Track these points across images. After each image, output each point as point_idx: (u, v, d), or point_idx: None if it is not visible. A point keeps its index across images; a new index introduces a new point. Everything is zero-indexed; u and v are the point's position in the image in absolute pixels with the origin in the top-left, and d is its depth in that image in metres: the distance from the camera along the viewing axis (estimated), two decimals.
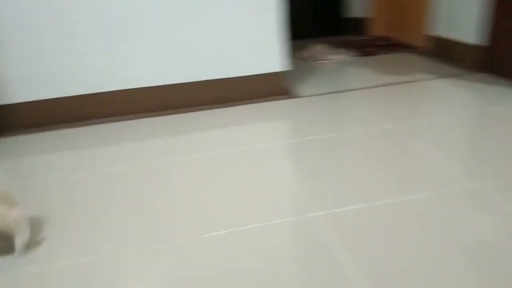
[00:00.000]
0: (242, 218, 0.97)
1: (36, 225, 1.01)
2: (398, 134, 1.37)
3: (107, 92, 1.69)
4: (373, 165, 1.17)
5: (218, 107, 1.79)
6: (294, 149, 1.33)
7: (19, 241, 0.92)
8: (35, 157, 1.41)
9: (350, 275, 0.75)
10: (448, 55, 2.20)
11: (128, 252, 0.88)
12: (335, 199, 1.02)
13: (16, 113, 1.63)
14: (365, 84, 1.98)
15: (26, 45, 1.56)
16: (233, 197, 1.07)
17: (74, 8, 1.54)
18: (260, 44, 1.76)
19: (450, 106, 1.59)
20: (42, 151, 1.45)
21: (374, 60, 2.45)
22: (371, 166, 1.17)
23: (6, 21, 1.51)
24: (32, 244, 0.94)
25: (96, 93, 1.68)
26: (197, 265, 0.82)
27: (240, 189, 1.10)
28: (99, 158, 1.36)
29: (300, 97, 1.86)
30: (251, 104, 1.80)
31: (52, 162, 1.36)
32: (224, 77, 1.78)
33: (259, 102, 1.82)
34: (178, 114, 1.74)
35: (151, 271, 0.82)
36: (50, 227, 1.00)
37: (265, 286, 0.75)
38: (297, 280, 0.75)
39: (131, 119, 1.72)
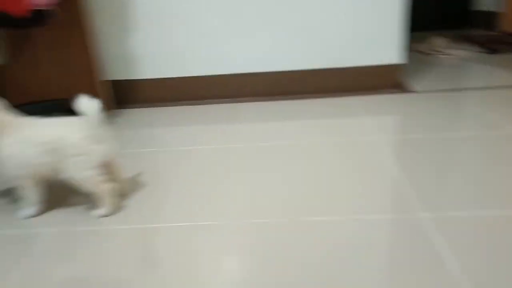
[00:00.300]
0: (342, 208, 0.96)
1: (137, 189, 1.13)
2: None
3: (224, 74, 1.79)
4: (498, 171, 1.07)
5: (327, 97, 1.78)
6: (403, 146, 1.27)
7: (102, 211, 1.00)
8: (153, 129, 1.57)
9: (458, 284, 0.71)
10: None
11: (224, 223, 0.94)
12: (448, 201, 0.95)
13: (142, 88, 1.83)
14: (488, 84, 1.79)
15: (157, 26, 1.72)
16: (334, 186, 1.07)
17: None
18: (377, 33, 1.70)
19: None
20: (159, 125, 1.61)
21: (501, 58, 2.20)
22: (493, 171, 1.07)
23: (139, 3, 1.68)
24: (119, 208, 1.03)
25: (215, 75, 1.79)
26: (292, 248, 0.85)
27: (343, 179, 1.10)
28: (207, 135, 1.46)
29: (414, 92, 1.76)
30: (361, 96, 1.75)
31: (165, 135, 1.50)
32: (336, 66, 1.76)
33: (370, 94, 1.77)
34: (286, 101, 1.77)
35: (246, 245, 0.87)
36: (151, 191, 1.11)
37: (362, 283, 0.75)
38: (400, 281, 0.74)
39: (241, 101, 1.80)
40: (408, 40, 2.70)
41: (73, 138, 0.93)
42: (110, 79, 1.78)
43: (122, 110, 1.78)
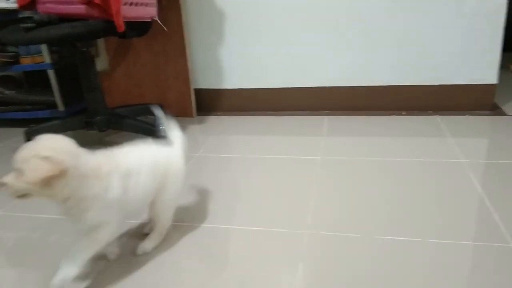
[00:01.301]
0: (420, 229, 0.92)
1: (210, 191, 1.17)
2: None
3: (308, 87, 1.81)
4: None
5: (415, 114, 1.71)
6: (490, 170, 1.18)
7: (151, 243, 0.93)
8: (230, 136, 1.63)
9: None
10: None
11: (295, 232, 0.94)
12: None
13: (225, 97, 1.91)
14: None
15: (244, 39, 1.79)
16: (415, 206, 1.02)
17: (288, 7, 1.71)
18: (473, 52, 1.61)
19: None
20: (236, 132, 1.66)
21: None
22: None
23: (231, 17, 1.77)
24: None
25: (297, 87, 1.81)
26: (360, 264, 0.82)
27: (425, 200, 1.05)
28: (284, 146, 1.47)
29: (506, 115, 1.62)
30: (451, 115, 1.66)
31: (242, 143, 1.54)
32: (428, 83, 1.69)
33: (460, 114, 1.66)
34: (371, 116, 1.73)
35: (314, 255, 0.86)
36: (224, 194, 1.15)
37: None
38: None
39: (322, 115, 1.80)
40: (503, 60, 2.51)
41: (181, 163, 0.93)
42: (197, 87, 1.89)
43: (203, 117, 1.87)
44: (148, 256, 0.90)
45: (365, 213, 1.01)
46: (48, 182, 0.68)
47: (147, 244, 0.92)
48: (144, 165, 0.85)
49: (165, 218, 0.94)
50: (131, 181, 0.81)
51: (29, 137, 1.53)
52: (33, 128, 1.54)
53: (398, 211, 1.01)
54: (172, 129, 0.98)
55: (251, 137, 1.59)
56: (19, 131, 1.80)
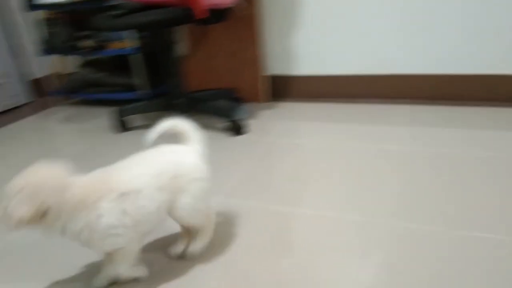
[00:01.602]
0: (503, 226, 0.87)
1: (278, 174, 1.19)
2: None
3: (382, 75, 1.76)
4: None
5: (491, 105, 1.60)
6: None
7: (198, 245, 0.88)
8: (300, 122, 1.63)
9: None
10: None
11: (366, 220, 0.94)
12: None
13: (298, 84, 1.92)
14: None
15: (319, 26, 1.78)
16: (491, 202, 0.97)
17: None
18: None
19: None
20: (307, 119, 1.66)
21: None
22: None
23: (306, 2, 1.76)
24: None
25: (371, 75, 1.77)
26: (436, 260, 0.80)
27: (502, 197, 0.99)
28: (353, 134, 1.45)
29: None
30: None
31: (312, 129, 1.55)
32: (506, 73, 1.57)
33: None
34: (445, 106, 1.65)
35: (386, 245, 0.85)
36: (290, 178, 1.16)
37: None
38: None
39: (396, 103, 1.74)
40: None
41: (195, 161, 0.82)
42: (271, 73, 1.92)
43: (275, 103, 1.90)
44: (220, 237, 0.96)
45: (443, 207, 0.98)
46: (30, 221, 0.66)
47: (194, 248, 0.87)
48: (145, 181, 0.74)
49: (198, 223, 0.85)
50: (129, 201, 0.72)
51: (120, 116, 1.67)
52: (121, 108, 1.67)
53: (494, 208, 0.96)
54: (188, 127, 0.87)
55: (323, 124, 1.59)
56: (106, 111, 1.97)
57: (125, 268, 0.79)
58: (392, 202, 1.02)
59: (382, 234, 0.90)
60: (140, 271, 0.82)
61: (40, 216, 0.66)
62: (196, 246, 0.87)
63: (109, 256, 0.78)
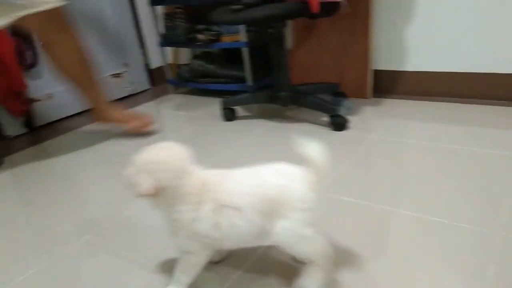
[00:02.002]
0: None
1: (376, 171, 1.15)
2: None
3: (503, 73, 1.60)
4: None
5: None
6: None
7: (313, 282, 0.76)
8: (408, 121, 1.56)
9: None
10: None
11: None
12: None
13: (410, 79, 1.83)
14: None
15: (434, 19, 1.67)
16: None
17: None
18: None
19: None
20: (413, 118, 1.58)
21: None
22: None
23: None
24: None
25: (491, 73, 1.62)
26: None
27: None
28: (457, 136, 1.34)
29: None
30: None
31: (417, 128, 1.46)
32: None
33: None
34: None
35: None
36: (388, 176, 1.11)
37: None
38: None
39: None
40: None
41: (303, 189, 0.73)
42: (376, 68, 1.86)
43: (379, 99, 1.84)
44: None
45: None
46: (147, 194, 0.70)
47: (307, 285, 0.76)
48: (247, 201, 0.71)
49: (302, 251, 0.75)
50: (225, 216, 0.71)
51: (227, 106, 1.77)
52: (228, 98, 1.77)
53: None
54: (308, 143, 0.76)
55: (429, 124, 1.50)
56: (213, 101, 2.09)
57: (184, 277, 0.78)
58: (508, 212, 0.93)
59: (500, 247, 0.83)
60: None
61: (156, 192, 0.71)
62: (310, 282, 0.76)
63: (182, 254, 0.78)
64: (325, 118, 1.59)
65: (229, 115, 1.77)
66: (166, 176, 0.70)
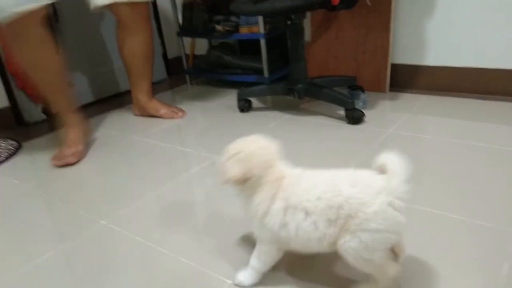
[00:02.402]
0: None
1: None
2: None
3: (506, 69, 1.57)
4: None
5: None
6: None
7: None
8: (426, 116, 1.54)
9: None
10: None
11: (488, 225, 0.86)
12: None
13: (422, 74, 1.80)
14: None
15: (452, 13, 1.64)
16: None
17: None
18: None
19: None
20: (430, 113, 1.56)
21: None
22: None
23: None
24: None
25: (495, 69, 1.59)
26: None
27: None
28: (476, 132, 1.32)
29: None
30: None
31: (433, 124, 1.44)
32: None
33: None
34: None
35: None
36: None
37: None
38: None
39: None
40: None
41: (375, 204, 0.66)
42: (394, 62, 1.83)
43: (396, 93, 1.81)
44: None
45: None
46: (235, 182, 0.74)
47: None
48: (316, 206, 0.69)
49: (365, 271, 0.71)
50: (293, 217, 0.71)
51: (242, 97, 1.78)
52: (244, 90, 1.77)
53: None
54: (391, 158, 0.69)
55: (447, 120, 1.47)
56: (229, 92, 2.10)
57: (256, 263, 0.80)
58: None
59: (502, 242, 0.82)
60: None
61: (243, 181, 0.74)
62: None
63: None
64: (341, 112, 1.58)
65: (245, 106, 1.78)
66: (253, 166, 0.73)
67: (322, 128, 1.53)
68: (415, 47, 1.78)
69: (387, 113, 1.61)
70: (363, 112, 1.52)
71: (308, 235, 0.70)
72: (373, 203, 0.65)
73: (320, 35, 1.91)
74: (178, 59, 2.47)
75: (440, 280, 0.76)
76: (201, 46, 2.46)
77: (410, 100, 1.72)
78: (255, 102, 1.86)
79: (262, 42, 1.91)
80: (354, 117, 1.51)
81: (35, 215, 1.16)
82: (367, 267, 0.69)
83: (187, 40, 2.40)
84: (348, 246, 0.67)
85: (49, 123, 1.95)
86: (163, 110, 1.85)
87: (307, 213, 0.69)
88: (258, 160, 0.74)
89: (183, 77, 2.43)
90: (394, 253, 0.74)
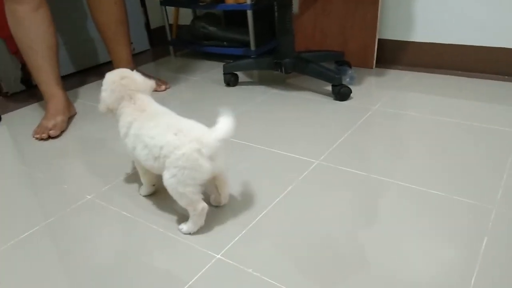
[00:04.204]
0: None
1: (371, 143, 1.15)
2: None
3: (494, 47, 1.58)
4: None
5: None
6: None
7: (186, 228, 0.90)
8: (411, 93, 1.55)
9: None
10: None
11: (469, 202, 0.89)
12: None
13: (416, 50, 1.80)
14: None
15: None
16: None
17: None
18: None
19: None
20: (416, 90, 1.57)
21: None
22: None
23: None
24: None
25: (500, 47, 1.60)
26: None
27: None
28: (459, 110, 1.34)
29: None
30: None
31: (419, 101, 1.46)
32: None
33: None
34: None
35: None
36: (386, 148, 1.12)
37: None
38: None
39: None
40: None
41: (184, 148, 0.83)
42: (381, 37, 1.82)
43: (383, 69, 1.82)
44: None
45: None
46: (104, 114, 1.01)
47: (182, 227, 0.92)
48: (150, 143, 0.88)
49: (181, 203, 0.88)
50: (138, 145, 0.91)
51: (227, 71, 1.74)
52: (230, 63, 1.74)
53: None
54: (224, 119, 0.84)
55: (433, 97, 1.49)
56: (214, 65, 2.06)
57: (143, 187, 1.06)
58: (502, 188, 0.95)
59: (494, 221, 0.85)
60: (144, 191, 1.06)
61: (109, 111, 0.98)
62: (184, 228, 0.91)
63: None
64: (328, 87, 1.57)
65: (231, 80, 1.75)
66: (114, 100, 0.96)
67: (309, 103, 1.53)
68: (402, 22, 1.77)
69: (373, 90, 1.61)
70: (350, 88, 1.52)
71: (146, 162, 0.91)
72: (183, 147, 0.82)
73: (308, 8, 1.88)
74: (161, 29, 2.40)
75: (420, 255, 0.78)
76: (186, 16, 2.39)
77: (396, 77, 1.72)
78: (241, 76, 1.83)
79: (249, 14, 1.87)
80: (341, 93, 1.50)
81: (18, 191, 1.14)
82: (181, 200, 0.87)
83: (170, 10, 2.32)
84: (166, 179, 0.86)
85: (29, 94, 1.89)
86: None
87: (145, 145, 0.89)
88: (118, 95, 0.96)
89: (166, 48, 2.37)
90: (217, 191, 0.95)
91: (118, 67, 1.76)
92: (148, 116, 0.93)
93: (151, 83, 1.01)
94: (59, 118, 1.48)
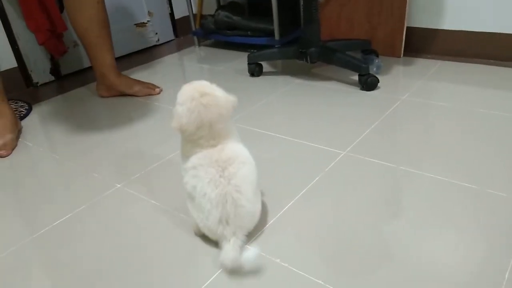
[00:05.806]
0: None
1: (397, 132, 1.12)
2: None
3: None
4: None
5: None
6: None
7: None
8: (438, 82, 1.50)
9: None
10: None
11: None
12: None
13: (446, 39, 1.74)
14: None
15: None
16: None
17: None
18: None
19: None
20: (446, 79, 1.52)
21: None
22: None
23: None
24: None
25: None
26: None
27: None
28: (485, 99, 1.30)
29: None
30: None
31: (449, 91, 1.41)
32: None
33: None
34: None
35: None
36: (411, 137, 1.09)
37: None
38: None
39: None
40: None
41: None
42: (409, 25, 1.77)
43: (411, 58, 1.77)
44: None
45: None
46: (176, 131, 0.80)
47: None
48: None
49: None
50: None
51: (252, 60, 1.73)
52: (255, 53, 1.73)
53: None
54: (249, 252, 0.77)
55: (462, 87, 1.44)
56: (238, 55, 2.06)
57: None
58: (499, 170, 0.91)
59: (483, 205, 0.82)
60: None
61: (182, 132, 0.78)
62: None
63: None
64: (355, 77, 1.55)
65: (255, 70, 1.74)
66: (191, 122, 0.76)
67: (335, 94, 1.51)
68: (431, 10, 1.71)
69: (401, 79, 1.58)
70: (377, 78, 1.48)
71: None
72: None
73: None
74: (185, 19, 2.41)
75: (450, 249, 0.77)
76: (210, 6, 2.38)
77: (425, 66, 1.67)
78: (265, 66, 1.82)
79: (274, 2, 1.84)
80: (368, 83, 1.48)
81: (49, 179, 1.18)
82: None
83: (194, 0, 2.32)
84: None
85: (58, 84, 1.94)
86: (137, 87, 1.68)
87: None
88: (198, 118, 0.75)
89: (190, 38, 2.37)
90: None
91: (103, 74, 1.65)
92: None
93: (233, 100, 0.80)
94: (8, 137, 1.37)
